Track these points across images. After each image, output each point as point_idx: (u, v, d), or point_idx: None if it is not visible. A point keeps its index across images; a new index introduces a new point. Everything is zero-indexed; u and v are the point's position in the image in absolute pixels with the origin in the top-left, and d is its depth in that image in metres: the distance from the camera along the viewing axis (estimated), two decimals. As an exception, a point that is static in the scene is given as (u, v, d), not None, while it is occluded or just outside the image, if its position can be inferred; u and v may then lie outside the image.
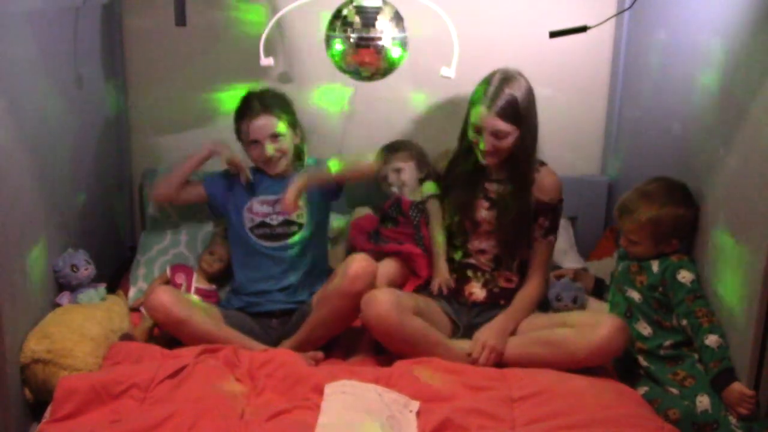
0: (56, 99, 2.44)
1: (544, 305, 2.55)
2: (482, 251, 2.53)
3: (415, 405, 2.06)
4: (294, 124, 2.62)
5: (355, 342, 2.48)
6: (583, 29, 2.37)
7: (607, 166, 3.13)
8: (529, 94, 2.38)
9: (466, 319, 2.53)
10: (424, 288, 2.60)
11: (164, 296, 2.35)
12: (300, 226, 2.60)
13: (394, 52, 2.55)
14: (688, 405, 2.12)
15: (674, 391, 2.18)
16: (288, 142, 2.58)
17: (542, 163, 2.51)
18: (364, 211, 2.94)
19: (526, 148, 2.41)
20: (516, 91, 2.34)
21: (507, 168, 2.47)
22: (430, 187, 2.71)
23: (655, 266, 2.31)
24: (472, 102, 2.41)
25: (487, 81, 2.39)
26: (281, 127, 2.56)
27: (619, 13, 2.83)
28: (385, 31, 2.51)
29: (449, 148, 2.61)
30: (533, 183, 2.46)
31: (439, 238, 2.60)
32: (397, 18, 2.56)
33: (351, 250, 2.78)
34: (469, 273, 2.55)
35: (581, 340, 2.26)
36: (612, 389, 2.19)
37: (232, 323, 2.47)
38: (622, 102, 3.03)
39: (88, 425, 1.97)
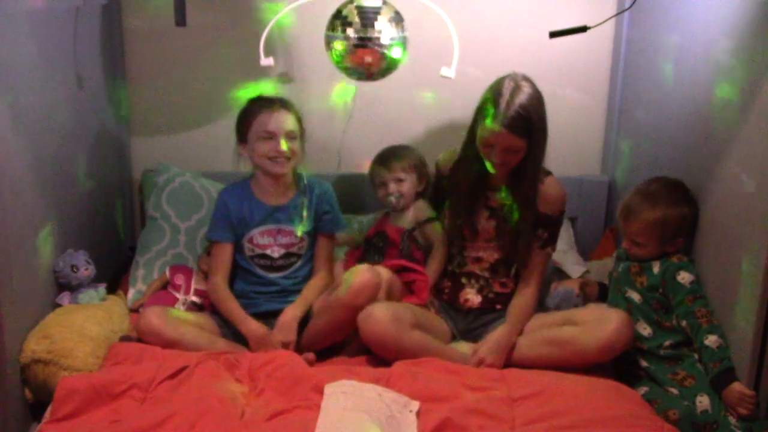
0: (56, 99, 2.44)
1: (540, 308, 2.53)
2: (479, 259, 2.52)
3: (415, 405, 2.06)
4: (303, 134, 2.59)
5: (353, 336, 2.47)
6: (583, 29, 2.37)
7: (607, 166, 3.13)
8: (539, 102, 2.33)
9: (462, 324, 2.53)
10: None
11: (154, 319, 2.34)
12: (300, 257, 2.60)
13: (394, 52, 2.54)
14: (688, 405, 2.12)
15: (674, 391, 2.18)
16: (298, 146, 2.55)
17: (547, 173, 2.46)
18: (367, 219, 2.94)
19: (534, 158, 2.37)
20: (527, 101, 2.28)
21: (511, 177, 2.43)
22: (427, 211, 2.67)
23: (656, 267, 2.32)
24: (482, 115, 2.34)
25: (495, 90, 2.32)
26: (297, 127, 2.55)
27: (619, 13, 2.83)
28: (384, 31, 2.51)
29: (456, 147, 2.55)
30: (537, 194, 2.41)
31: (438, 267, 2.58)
32: (397, 18, 2.56)
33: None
34: (464, 280, 2.54)
35: (590, 337, 2.25)
36: (612, 389, 2.19)
37: (227, 332, 2.47)
38: (622, 102, 3.03)
39: (88, 425, 1.97)
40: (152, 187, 2.92)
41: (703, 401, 2.11)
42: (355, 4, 2.53)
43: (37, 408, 2.17)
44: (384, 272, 2.46)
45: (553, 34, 2.39)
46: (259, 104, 2.54)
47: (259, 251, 2.57)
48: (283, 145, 2.49)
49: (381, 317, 2.28)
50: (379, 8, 2.52)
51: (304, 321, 2.47)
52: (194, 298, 2.65)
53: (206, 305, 2.66)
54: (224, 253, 2.57)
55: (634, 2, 2.51)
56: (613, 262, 2.55)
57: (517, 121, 2.28)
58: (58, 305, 2.37)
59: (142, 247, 2.83)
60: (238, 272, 2.60)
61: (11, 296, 2.06)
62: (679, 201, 2.33)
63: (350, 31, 2.50)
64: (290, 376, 2.17)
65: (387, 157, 2.72)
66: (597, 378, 2.24)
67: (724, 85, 2.21)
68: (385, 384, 2.13)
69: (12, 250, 2.08)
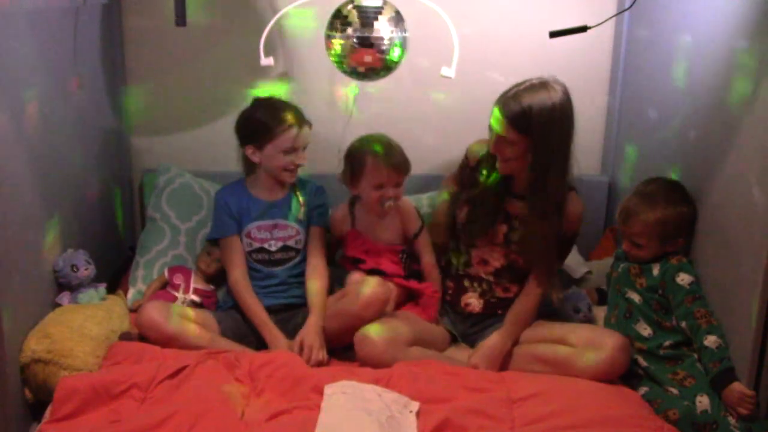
0: (56, 99, 2.44)
1: (555, 316, 2.48)
2: (485, 261, 2.49)
3: (415, 405, 2.06)
4: None
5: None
6: (583, 29, 2.37)
7: (607, 166, 3.13)
8: (553, 108, 2.20)
9: (462, 327, 2.53)
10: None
11: (154, 313, 2.35)
12: (297, 251, 2.62)
13: (394, 52, 2.55)
14: (688, 405, 2.11)
15: (674, 391, 2.18)
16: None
17: (571, 188, 2.38)
18: None
19: (541, 165, 2.26)
20: (535, 99, 2.19)
21: (529, 186, 2.34)
22: (417, 219, 2.64)
23: (655, 270, 2.32)
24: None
25: (516, 84, 2.27)
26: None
27: (619, 13, 2.83)
28: (384, 30, 2.51)
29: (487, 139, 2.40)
30: (554, 207, 2.32)
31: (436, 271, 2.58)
32: (397, 18, 2.56)
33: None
34: (467, 283, 2.53)
35: (586, 361, 2.22)
36: (612, 389, 2.19)
37: (227, 329, 2.48)
38: (622, 102, 3.03)
39: (88, 425, 1.97)
40: (152, 188, 2.93)
41: (702, 401, 2.10)
42: (355, 3, 2.53)
43: (37, 408, 2.16)
44: (392, 286, 2.48)
45: (553, 34, 2.39)
46: (288, 117, 2.52)
47: (257, 245, 2.59)
48: (303, 159, 2.55)
49: (377, 340, 2.27)
50: (379, 8, 2.53)
51: (304, 322, 2.48)
52: (194, 297, 2.65)
53: (206, 304, 2.66)
54: (235, 247, 2.59)
55: (634, 2, 2.51)
56: (612, 262, 2.55)
57: (513, 109, 2.21)
58: (58, 305, 2.37)
59: (143, 248, 2.83)
60: None
61: (11, 296, 2.06)
62: (677, 201, 2.33)
63: (350, 31, 2.51)
64: (290, 377, 2.17)
65: (392, 156, 2.53)
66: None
67: (725, 85, 2.21)
68: (385, 384, 2.13)
69: (12, 250, 2.08)
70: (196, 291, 2.67)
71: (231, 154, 2.68)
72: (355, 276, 2.56)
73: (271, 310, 2.54)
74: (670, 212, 2.31)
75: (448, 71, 2.65)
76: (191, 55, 3.01)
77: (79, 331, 2.23)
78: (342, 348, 2.45)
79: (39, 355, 2.13)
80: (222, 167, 2.83)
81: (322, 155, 2.82)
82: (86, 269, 2.43)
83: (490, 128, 2.31)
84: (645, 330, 2.31)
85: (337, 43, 2.54)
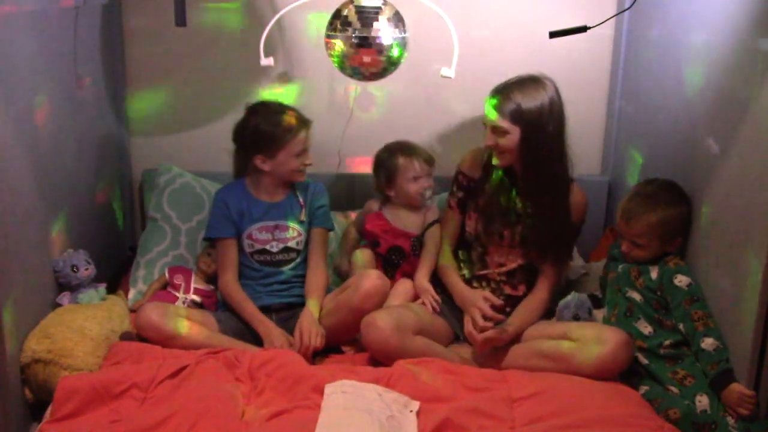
0: (57, 99, 2.44)
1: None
2: (501, 264, 2.52)
3: (415, 405, 2.06)
4: None
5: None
6: (583, 29, 2.37)
7: (607, 166, 3.13)
8: (543, 96, 2.32)
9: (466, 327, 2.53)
10: None
11: (152, 314, 2.36)
12: (298, 252, 2.63)
13: (394, 52, 2.54)
14: (688, 404, 2.12)
15: (674, 390, 2.18)
16: None
17: (571, 180, 2.45)
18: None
19: (534, 156, 2.34)
20: (527, 93, 2.30)
21: (527, 181, 2.41)
22: (437, 213, 2.72)
23: (654, 273, 2.32)
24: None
25: (508, 79, 2.37)
26: None
27: (619, 13, 2.83)
28: (384, 31, 2.51)
29: (480, 147, 2.53)
30: (560, 199, 2.40)
31: (443, 258, 2.61)
32: (397, 18, 2.56)
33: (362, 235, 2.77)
34: (475, 284, 2.55)
35: (587, 356, 2.24)
36: (612, 389, 2.19)
37: (227, 329, 2.48)
38: (622, 102, 3.03)
39: (88, 425, 1.97)
40: (153, 188, 2.93)
41: (702, 401, 2.11)
42: (355, 4, 2.53)
43: (37, 408, 2.16)
44: (402, 282, 2.59)
45: (553, 34, 2.38)
46: (295, 121, 2.56)
47: (258, 246, 2.60)
48: (310, 159, 2.61)
49: (383, 325, 2.28)
50: (379, 8, 2.52)
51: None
52: (194, 297, 2.65)
53: (206, 304, 2.67)
54: (230, 250, 2.60)
55: (634, 2, 2.51)
56: (607, 263, 2.55)
57: (504, 97, 2.31)
58: (58, 305, 2.37)
59: (143, 248, 2.83)
60: (239, 269, 2.62)
61: (11, 296, 2.06)
62: (676, 201, 2.34)
63: (350, 31, 2.50)
64: (290, 376, 2.17)
65: (419, 152, 2.70)
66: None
67: (725, 85, 2.21)
68: (386, 384, 2.13)
69: (12, 250, 2.08)
70: (196, 291, 2.68)
71: (231, 155, 2.68)
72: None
73: (272, 309, 2.54)
74: (671, 212, 2.32)
75: (448, 71, 2.65)
76: (191, 56, 3.01)
77: (80, 331, 2.23)
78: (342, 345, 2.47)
79: (39, 355, 2.13)
80: (223, 167, 2.82)
81: (323, 155, 2.82)
82: (86, 269, 2.43)
83: (484, 123, 2.38)
84: (646, 328, 2.31)
85: (337, 43, 2.54)
